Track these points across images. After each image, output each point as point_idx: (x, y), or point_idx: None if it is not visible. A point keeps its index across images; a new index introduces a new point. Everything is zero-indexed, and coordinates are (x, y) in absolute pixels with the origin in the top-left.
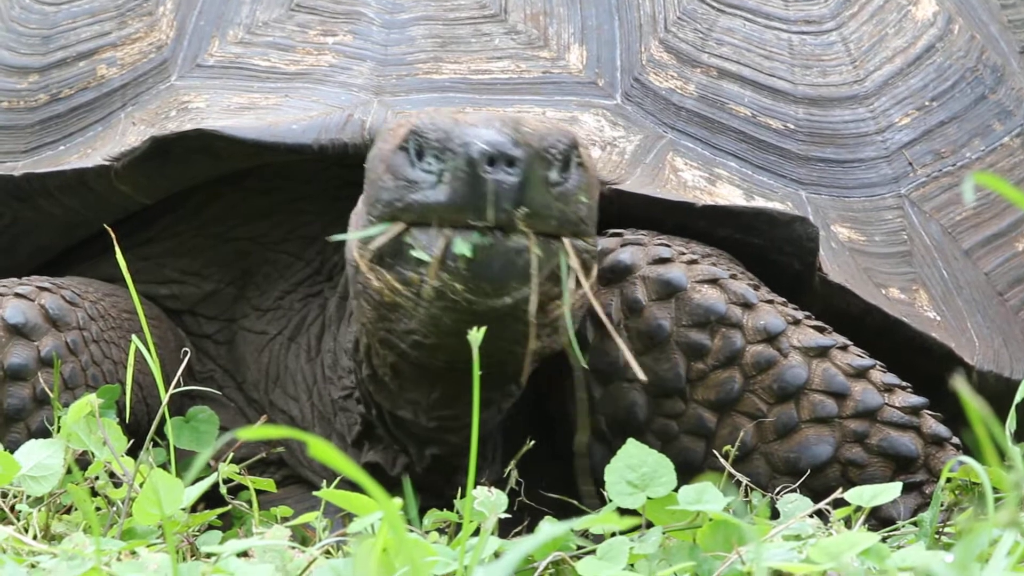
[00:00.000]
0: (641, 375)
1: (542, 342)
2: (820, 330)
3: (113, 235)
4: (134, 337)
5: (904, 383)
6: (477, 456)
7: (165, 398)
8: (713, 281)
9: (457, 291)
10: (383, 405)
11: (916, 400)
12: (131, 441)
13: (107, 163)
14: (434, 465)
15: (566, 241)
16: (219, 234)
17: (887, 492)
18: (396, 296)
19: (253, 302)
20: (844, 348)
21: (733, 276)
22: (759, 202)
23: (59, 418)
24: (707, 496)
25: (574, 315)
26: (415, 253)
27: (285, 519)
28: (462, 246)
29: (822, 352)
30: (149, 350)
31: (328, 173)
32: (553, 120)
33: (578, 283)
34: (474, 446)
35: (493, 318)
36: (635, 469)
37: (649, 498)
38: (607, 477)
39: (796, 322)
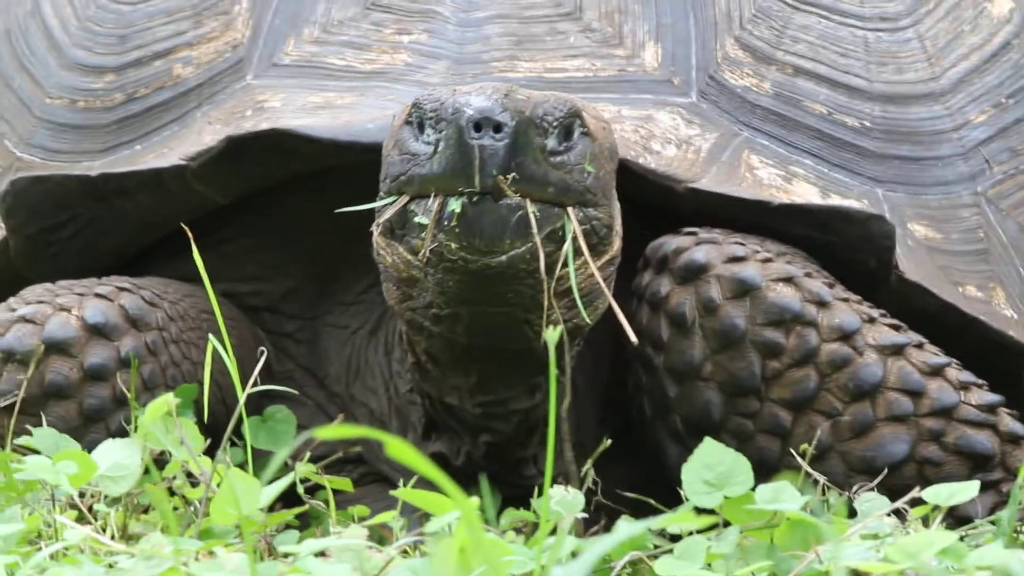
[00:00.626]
0: (633, 337)
1: (561, 314)
2: (895, 328)
3: (190, 234)
4: (211, 336)
5: (980, 381)
6: (533, 444)
7: (242, 397)
8: (788, 279)
9: (453, 250)
10: (431, 393)
11: (992, 398)
12: (208, 441)
13: (183, 163)
14: (494, 454)
15: (569, 209)
16: (299, 230)
17: (965, 491)
18: (409, 269)
19: (337, 297)
20: (919, 346)
21: (808, 274)
22: (835, 200)
23: (136, 418)
24: (784, 495)
25: (589, 286)
26: (417, 219)
27: (362, 519)
28: (454, 204)
29: (897, 350)
30: (227, 349)
31: None
32: (560, 94)
33: (579, 252)
34: (551, 449)
35: (492, 277)
36: (712, 468)
37: (726, 497)
38: (684, 476)
39: (871, 320)
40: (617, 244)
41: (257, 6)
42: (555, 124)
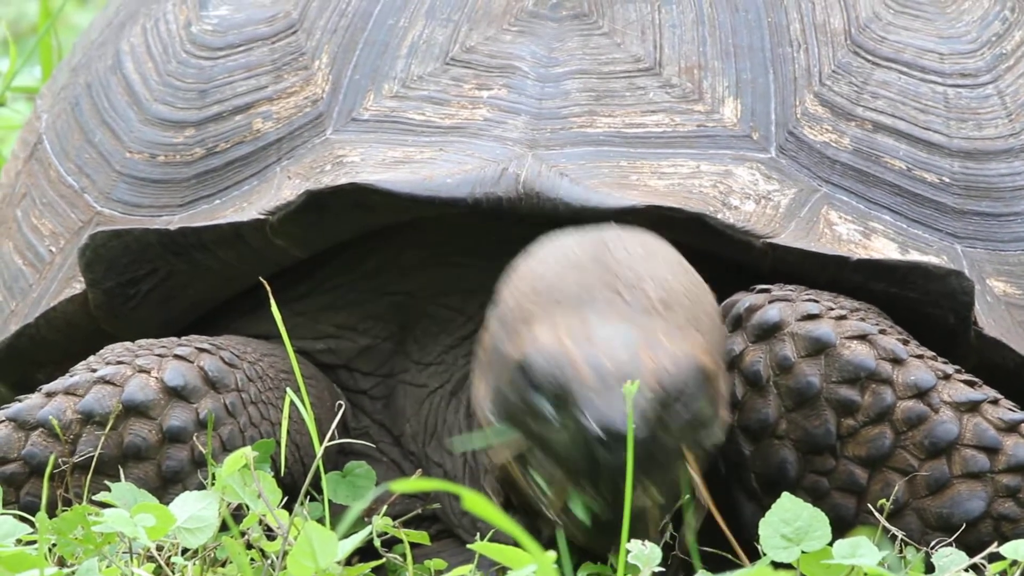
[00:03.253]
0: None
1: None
2: (971, 384)
3: (269, 289)
4: (289, 391)
5: None
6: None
7: (320, 450)
8: (862, 337)
9: (577, 536)
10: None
11: None
12: (286, 498)
13: (263, 217)
14: None
15: (688, 458)
16: (375, 288)
17: None
18: (527, 491)
19: (414, 356)
20: (995, 402)
21: (882, 331)
22: (914, 256)
23: (214, 475)
24: (861, 550)
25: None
26: (536, 477)
27: (439, 572)
28: (577, 507)
29: (973, 407)
30: (305, 405)
31: (484, 227)
32: (678, 345)
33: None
34: (628, 504)
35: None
36: (789, 523)
37: (803, 552)
38: (762, 531)
39: (946, 376)
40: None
41: (337, 61)
42: (684, 400)
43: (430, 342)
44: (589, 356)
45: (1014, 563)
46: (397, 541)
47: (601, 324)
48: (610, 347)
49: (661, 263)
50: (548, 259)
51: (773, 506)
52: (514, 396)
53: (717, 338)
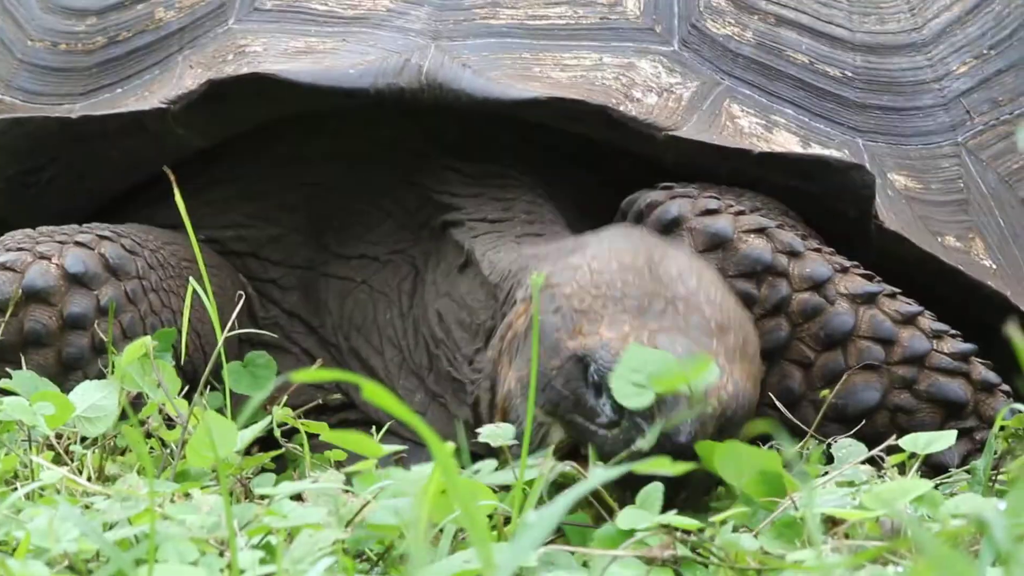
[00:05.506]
0: None
1: None
2: (868, 278)
3: (173, 178)
4: (191, 280)
5: (954, 331)
6: None
7: (221, 339)
8: (760, 231)
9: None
10: None
11: (965, 347)
12: (186, 387)
13: (164, 106)
14: None
15: None
16: (285, 177)
17: (942, 439)
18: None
19: (333, 249)
20: (892, 296)
21: (780, 226)
22: (816, 149)
23: (114, 364)
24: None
25: None
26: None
27: (339, 463)
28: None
29: (869, 299)
30: (207, 294)
31: (391, 121)
32: (735, 370)
33: None
34: (530, 412)
35: None
36: (639, 371)
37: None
38: (614, 383)
39: (844, 270)
40: None
41: None
42: (733, 424)
43: (349, 236)
44: (664, 382)
45: (912, 456)
46: (309, 435)
47: (665, 335)
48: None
49: (711, 285)
50: (607, 260)
51: (623, 357)
52: (565, 387)
53: (759, 366)
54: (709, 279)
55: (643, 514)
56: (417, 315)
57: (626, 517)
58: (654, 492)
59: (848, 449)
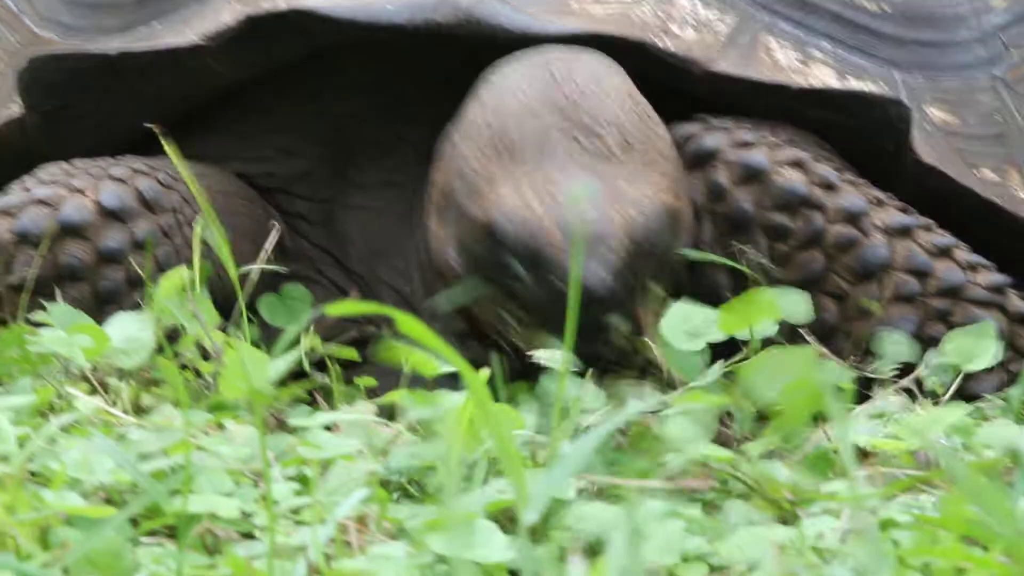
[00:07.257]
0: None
1: None
2: (903, 211)
3: (157, 130)
4: (205, 218)
5: (988, 263)
6: None
7: (255, 272)
8: (795, 163)
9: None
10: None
11: (1000, 278)
12: (222, 321)
13: (202, 42)
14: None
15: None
16: (317, 110)
17: (985, 354)
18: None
19: (356, 180)
20: (927, 228)
21: (816, 159)
22: (852, 83)
23: (150, 295)
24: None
25: None
26: (507, 317)
27: (370, 389)
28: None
29: (904, 231)
30: (237, 228)
31: (425, 56)
32: (641, 190)
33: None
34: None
35: None
36: (688, 321)
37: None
38: (665, 331)
39: (879, 203)
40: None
41: None
42: (653, 246)
43: (372, 167)
44: (558, 218)
45: (947, 383)
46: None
47: (565, 179)
48: (577, 205)
49: (613, 99)
50: (501, 108)
51: (670, 310)
52: (484, 255)
53: (676, 169)
54: (612, 90)
55: (689, 425)
56: None
57: (673, 426)
58: (692, 425)
59: (895, 347)
